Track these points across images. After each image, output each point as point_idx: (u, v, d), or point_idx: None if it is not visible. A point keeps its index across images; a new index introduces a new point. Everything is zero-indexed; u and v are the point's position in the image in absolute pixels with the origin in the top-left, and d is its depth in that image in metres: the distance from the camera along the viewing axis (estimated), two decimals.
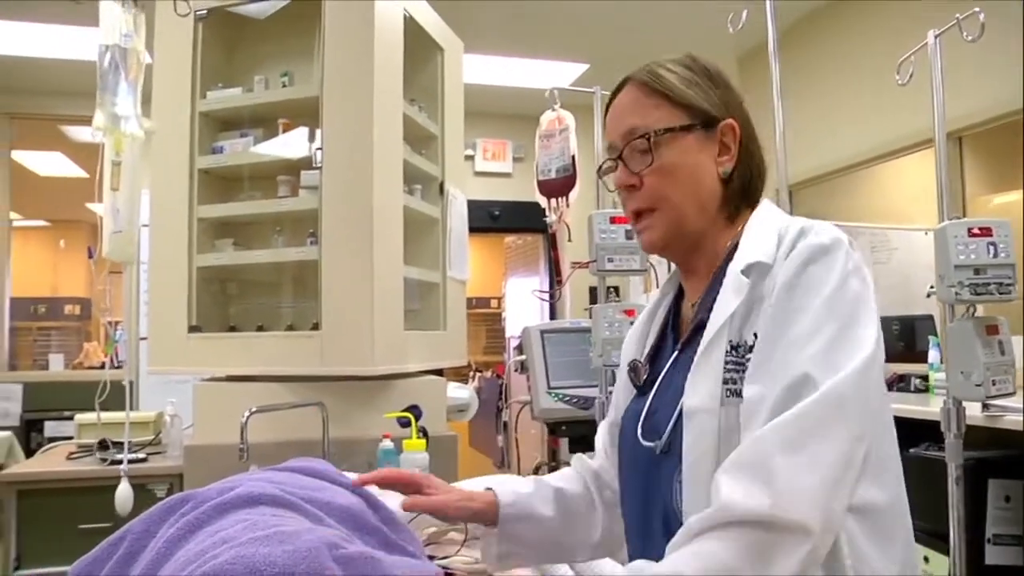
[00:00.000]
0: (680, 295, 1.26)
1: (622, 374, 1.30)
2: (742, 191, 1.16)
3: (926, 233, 4.80)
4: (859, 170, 4.84)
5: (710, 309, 1.08)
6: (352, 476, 1.31)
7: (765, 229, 1.08)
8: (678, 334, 1.21)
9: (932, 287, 1.77)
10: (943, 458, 1.89)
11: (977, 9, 1.80)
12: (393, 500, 1.41)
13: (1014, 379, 1.76)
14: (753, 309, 1.02)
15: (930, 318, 4.22)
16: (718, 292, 1.08)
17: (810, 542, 0.87)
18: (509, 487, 1.30)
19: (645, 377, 1.20)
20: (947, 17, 2.03)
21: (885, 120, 4.38)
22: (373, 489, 1.32)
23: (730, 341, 1.02)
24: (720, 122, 1.14)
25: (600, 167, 1.25)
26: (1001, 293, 1.72)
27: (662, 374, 1.15)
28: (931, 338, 3.79)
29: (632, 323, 2.16)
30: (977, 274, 1.71)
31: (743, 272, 1.04)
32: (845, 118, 4.75)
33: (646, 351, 1.25)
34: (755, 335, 1.00)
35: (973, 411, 2.43)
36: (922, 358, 3.79)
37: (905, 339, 4.27)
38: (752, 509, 0.87)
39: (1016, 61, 3.55)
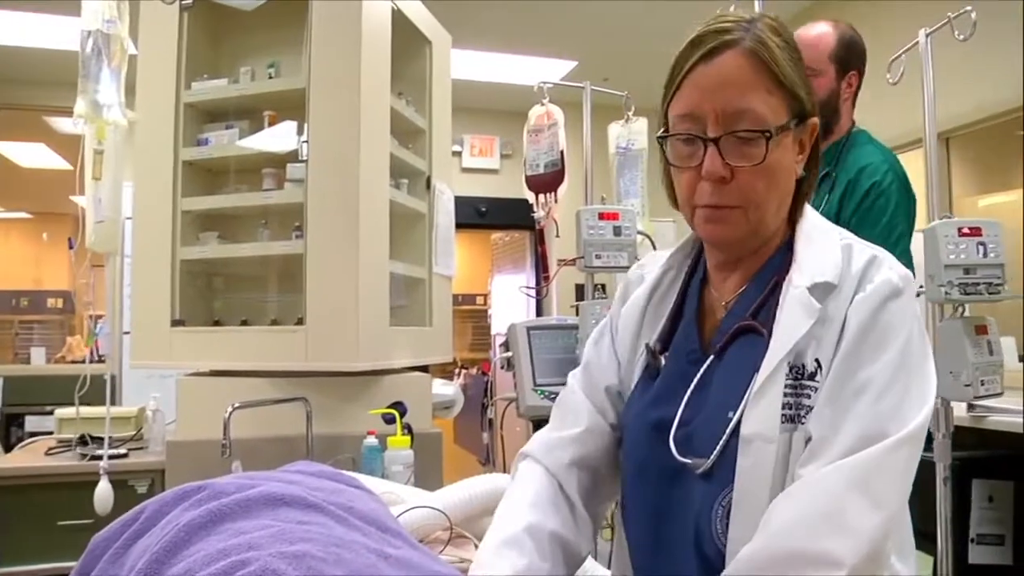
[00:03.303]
0: (692, 275, 1.16)
1: (623, 348, 1.20)
2: (805, 194, 1.09)
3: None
4: None
5: (754, 315, 1.03)
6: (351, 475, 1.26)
7: (821, 240, 1.03)
8: (702, 329, 1.11)
9: (922, 286, 1.77)
10: (929, 458, 1.89)
11: (969, 8, 1.80)
12: (368, 482, 1.40)
13: (1001, 379, 1.76)
14: (816, 332, 0.97)
15: None
16: (762, 298, 1.03)
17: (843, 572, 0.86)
18: (509, 560, 1.04)
19: (662, 365, 1.11)
20: (936, 17, 2.02)
21: (873, 121, 4.37)
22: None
23: (789, 363, 0.97)
24: (809, 119, 1.05)
25: (666, 134, 1.06)
26: (990, 293, 1.72)
27: (695, 380, 1.05)
28: None
29: None
30: (967, 274, 1.71)
31: (810, 290, 0.98)
32: None
33: (655, 334, 1.15)
34: (817, 362, 0.96)
35: (958, 411, 2.44)
36: None
37: None
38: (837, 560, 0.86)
39: (1003, 63, 3.56)
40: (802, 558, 0.86)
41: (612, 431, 1.18)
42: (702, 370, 1.05)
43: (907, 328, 0.96)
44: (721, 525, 0.96)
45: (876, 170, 1.98)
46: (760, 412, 0.95)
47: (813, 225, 1.07)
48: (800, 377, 0.96)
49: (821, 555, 0.85)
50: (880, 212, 1.92)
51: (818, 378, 0.95)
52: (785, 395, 0.95)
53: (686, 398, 1.04)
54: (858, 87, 2.13)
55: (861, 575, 0.85)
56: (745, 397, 0.97)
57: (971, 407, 2.47)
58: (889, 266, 0.99)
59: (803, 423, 0.94)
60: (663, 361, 1.11)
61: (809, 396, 0.95)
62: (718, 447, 0.97)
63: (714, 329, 1.09)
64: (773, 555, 0.87)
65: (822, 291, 0.98)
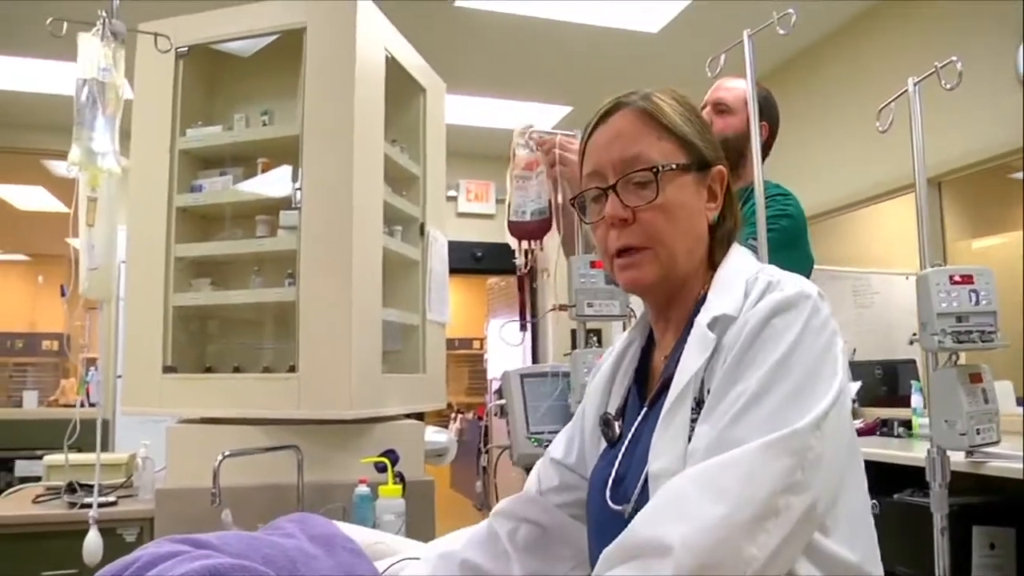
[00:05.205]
0: (649, 344, 1.21)
1: (588, 423, 1.25)
2: (725, 241, 1.12)
3: (907, 278, 4.84)
4: (839, 215, 4.87)
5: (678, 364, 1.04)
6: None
7: (733, 280, 1.05)
8: (645, 388, 1.16)
9: (915, 334, 1.77)
10: (928, 504, 1.88)
11: (954, 58, 1.81)
12: (358, 532, 1.38)
13: (998, 427, 1.75)
14: (715, 363, 0.98)
15: (912, 362, 4.23)
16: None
17: (670, 562, 0.82)
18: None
19: (619, 433, 1.14)
20: (925, 64, 2.04)
21: (866, 165, 4.41)
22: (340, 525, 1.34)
23: (695, 398, 0.98)
24: (712, 167, 1.10)
25: (576, 196, 1.16)
26: (983, 341, 1.72)
27: (630, 433, 1.10)
28: (913, 383, 3.79)
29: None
30: (959, 322, 1.72)
31: (709, 326, 1.00)
32: (825, 164, 4.79)
33: (617, 404, 1.19)
34: (708, 390, 0.97)
35: (957, 456, 2.42)
36: (904, 402, 3.79)
37: (888, 383, 4.26)
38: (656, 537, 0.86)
39: (994, 107, 3.59)
40: (636, 546, 0.87)
41: (541, 495, 1.28)
42: (636, 423, 1.10)
43: (792, 338, 0.93)
44: None
45: (786, 200, 2.11)
46: (663, 449, 0.97)
47: (733, 268, 1.08)
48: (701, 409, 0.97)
49: (652, 540, 0.85)
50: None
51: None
52: (692, 428, 0.96)
53: (622, 451, 1.09)
54: (768, 142, 2.22)
55: (695, 567, 0.82)
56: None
57: (969, 452, 2.46)
58: (782, 288, 0.99)
59: None
60: (617, 429, 1.14)
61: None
62: (636, 490, 1.01)
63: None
64: (615, 547, 0.89)
65: (721, 324, 1.00)
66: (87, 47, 2.07)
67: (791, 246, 2.02)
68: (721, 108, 2.19)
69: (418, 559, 1.52)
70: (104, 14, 2.07)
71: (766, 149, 2.24)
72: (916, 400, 3.63)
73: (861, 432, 3.71)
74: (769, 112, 2.24)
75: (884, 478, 2.75)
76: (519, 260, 2.23)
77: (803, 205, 2.15)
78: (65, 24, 2.02)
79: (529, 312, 7.34)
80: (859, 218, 5.02)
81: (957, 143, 3.83)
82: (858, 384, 4.19)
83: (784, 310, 0.95)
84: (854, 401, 4.07)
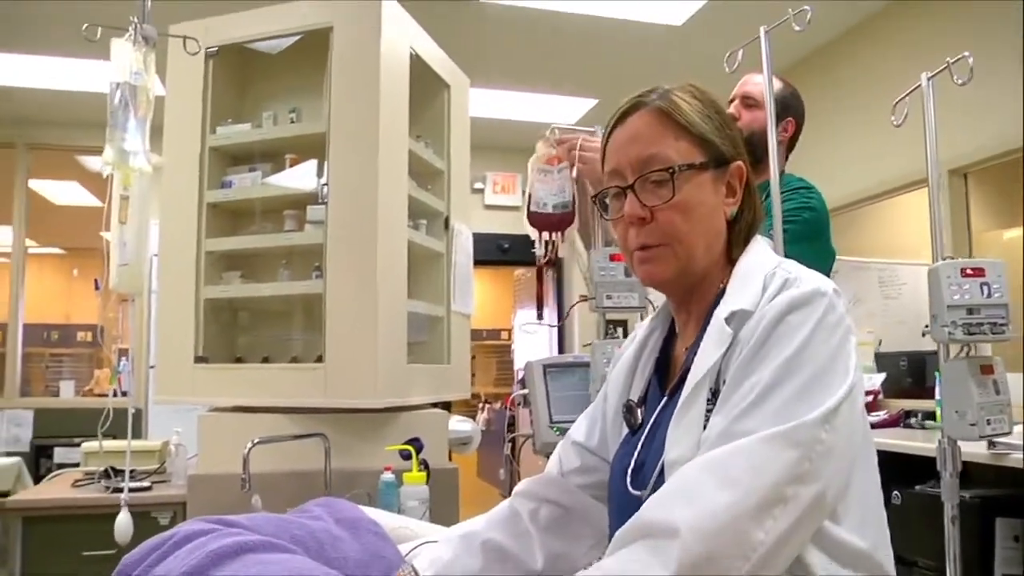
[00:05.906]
0: (671, 333, 1.24)
1: (610, 408, 1.29)
2: (744, 234, 1.15)
3: None
4: (864, 206, 4.85)
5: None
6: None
7: (751, 274, 1.08)
8: (666, 377, 1.20)
9: (927, 326, 1.80)
10: (937, 495, 1.90)
11: (967, 53, 1.83)
12: (383, 516, 1.43)
13: (1009, 418, 1.78)
14: (731, 355, 1.02)
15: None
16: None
17: (677, 543, 0.86)
18: (429, 555, 1.25)
19: (640, 420, 1.18)
20: (943, 58, 2.06)
21: (890, 158, 4.40)
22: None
23: (711, 389, 1.01)
24: (731, 163, 1.13)
25: (597, 194, 1.20)
26: (994, 333, 1.74)
27: (650, 421, 1.14)
28: (938, 374, 3.79)
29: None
30: (970, 314, 1.74)
31: (726, 320, 1.03)
32: (848, 157, 4.77)
33: (639, 392, 1.23)
34: (724, 381, 1.00)
35: (979, 448, 2.42)
36: (931, 393, 3.78)
37: (914, 374, 4.25)
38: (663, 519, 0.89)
39: (1017, 99, 3.57)
40: (644, 527, 0.90)
41: (563, 476, 1.30)
42: (656, 412, 1.13)
43: (805, 334, 0.97)
44: None
45: (808, 193, 2.15)
46: (679, 437, 1.01)
47: (752, 261, 1.11)
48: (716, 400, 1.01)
49: (660, 522, 0.89)
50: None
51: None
52: (707, 419, 1.00)
53: (642, 438, 1.13)
54: (793, 137, 2.28)
55: (701, 549, 0.86)
56: None
57: (991, 444, 2.46)
58: (799, 284, 1.01)
59: None
60: (640, 416, 1.18)
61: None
62: (654, 476, 1.04)
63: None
64: (627, 528, 0.93)
65: (739, 318, 1.03)
66: (120, 52, 2.14)
67: (813, 239, 2.04)
68: (749, 102, 2.22)
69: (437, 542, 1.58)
70: (136, 19, 2.13)
71: (791, 144, 2.26)
72: (940, 391, 3.63)
73: (884, 423, 3.72)
74: (796, 108, 2.26)
75: (907, 469, 2.77)
76: (539, 250, 2.25)
77: (825, 198, 2.18)
78: (100, 29, 2.09)
79: (556, 304, 7.40)
80: (887, 209, 4.99)
81: (982, 133, 3.81)
82: (882, 375, 4.19)
83: (799, 306, 0.98)
84: (877, 393, 4.08)
